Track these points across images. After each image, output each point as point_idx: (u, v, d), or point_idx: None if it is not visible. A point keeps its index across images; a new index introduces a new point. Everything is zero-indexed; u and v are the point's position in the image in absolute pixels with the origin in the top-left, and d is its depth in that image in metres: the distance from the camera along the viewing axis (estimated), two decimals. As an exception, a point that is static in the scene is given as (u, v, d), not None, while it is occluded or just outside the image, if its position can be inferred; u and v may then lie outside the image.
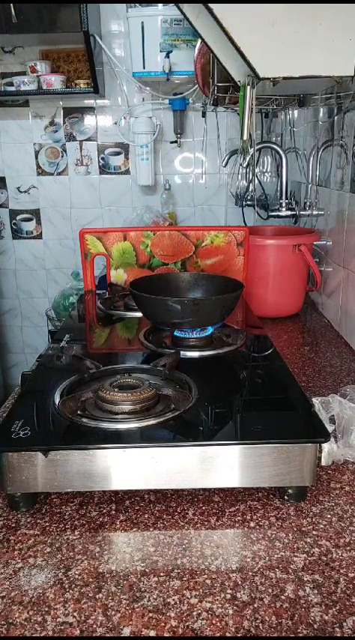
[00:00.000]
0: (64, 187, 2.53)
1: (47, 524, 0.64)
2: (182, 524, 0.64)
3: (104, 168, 2.51)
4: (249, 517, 0.65)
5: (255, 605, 0.52)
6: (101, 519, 0.65)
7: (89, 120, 2.45)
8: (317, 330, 1.37)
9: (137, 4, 2.05)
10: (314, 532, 0.63)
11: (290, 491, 0.67)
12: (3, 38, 2.19)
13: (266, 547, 0.60)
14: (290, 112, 1.85)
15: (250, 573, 0.56)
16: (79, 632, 0.50)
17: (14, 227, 2.60)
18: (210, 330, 1.00)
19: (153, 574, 0.56)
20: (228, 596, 0.53)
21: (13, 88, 2.22)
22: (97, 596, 0.54)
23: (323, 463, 0.73)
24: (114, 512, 0.66)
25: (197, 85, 1.85)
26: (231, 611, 0.52)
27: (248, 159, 1.55)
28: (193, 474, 0.66)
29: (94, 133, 2.47)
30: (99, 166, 2.51)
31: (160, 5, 2.03)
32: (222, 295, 1.01)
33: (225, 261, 1.36)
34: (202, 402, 0.75)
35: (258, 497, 0.69)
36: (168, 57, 2.05)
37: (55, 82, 2.21)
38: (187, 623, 0.50)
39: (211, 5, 0.83)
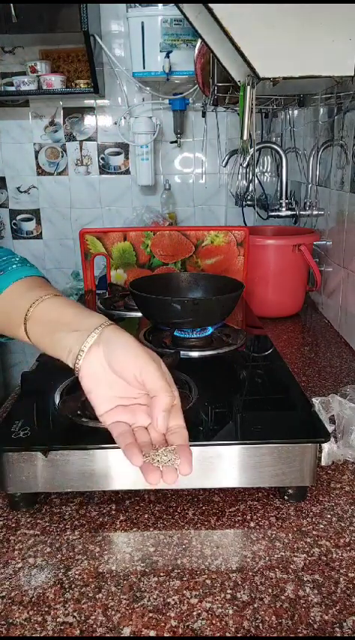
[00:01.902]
0: (64, 187, 2.53)
1: (47, 524, 0.64)
2: (182, 524, 0.64)
3: (104, 168, 2.51)
4: (249, 517, 0.65)
5: (255, 605, 0.52)
6: (101, 519, 0.65)
7: (89, 120, 2.45)
8: (317, 330, 1.37)
9: (137, 4, 2.05)
10: (314, 532, 0.63)
11: (290, 491, 0.67)
12: (3, 38, 2.19)
13: (266, 547, 0.60)
14: (290, 112, 1.84)
15: (250, 573, 0.56)
16: (79, 632, 0.50)
17: (14, 227, 2.60)
18: (210, 330, 1.00)
19: (153, 574, 0.56)
20: (228, 596, 0.53)
21: (13, 88, 2.22)
22: (97, 596, 0.54)
23: (323, 463, 0.73)
24: (114, 512, 0.66)
25: (197, 85, 1.85)
26: (231, 611, 0.52)
27: (248, 159, 1.54)
28: (193, 474, 0.65)
29: (94, 133, 2.47)
30: (99, 166, 2.51)
31: (160, 5, 2.03)
32: (222, 295, 1.00)
33: (225, 261, 1.36)
34: (202, 402, 0.75)
35: (258, 497, 0.69)
36: (168, 57, 2.05)
37: (55, 82, 2.21)
38: (187, 623, 0.50)
39: (211, 5, 0.83)
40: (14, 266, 0.65)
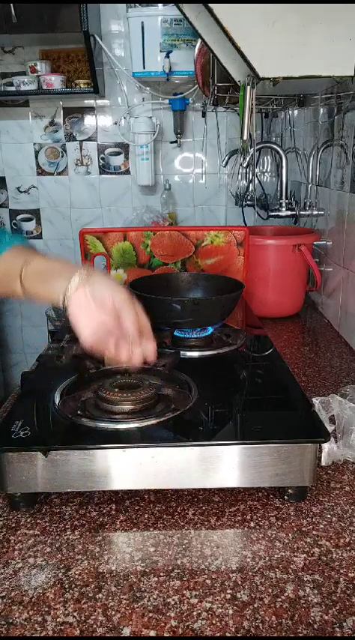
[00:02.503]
0: (64, 187, 2.53)
1: (47, 524, 0.64)
2: (182, 524, 0.64)
3: (104, 169, 2.51)
4: (249, 517, 0.65)
5: (255, 605, 0.52)
6: (101, 519, 0.65)
7: (89, 120, 2.45)
8: (317, 330, 1.37)
9: (137, 4, 2.05)
10: (314, 532, 0.63)
11: (290, 491, 0.67)
12: (3, 38, 2.18)
13: (266, 547, 0.60)
14: (290, 112, 1.85)
15: (250, 573, 0.56)
16: (79, 632, 0.50)
17: (14, 227, 2.60)
18: (210, 330, 1.00)
19: (153, 574, 0.56)
20: (228, 596, 0.53)
21: (13, 88, 2.22)
22: (97, 596, 0.54)
23: (323, 463, 0.73)
24: (114, 512, 0.66)
25: (197, 85, 1.85)
26: (231, 611, 0.52)
27: (248, 159, 1.54)
28: (193, 474, 0.66)
29: (94, 133, 2.47)
30: (99, 166, 2.51)
31: (160, 5, 2.03)
32: (222, 295, 1.01)
33: (225, 261, 1.36)
34: (202, 402, 0.75)
35: (258, 497, 0.69)
36: (168, 57, 2.05)
37: (55, 82, 2.21)
38: (187, 623, 0.50)
39: (211, 5, 0.83)
40: (7, 238, 0.79)
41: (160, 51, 2.07)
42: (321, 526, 0.64)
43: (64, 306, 0.68)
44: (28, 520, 0.65)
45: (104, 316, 0.69)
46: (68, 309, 0.68)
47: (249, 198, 1.97)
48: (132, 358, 0.71)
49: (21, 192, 2.54)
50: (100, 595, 0.54)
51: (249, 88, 1.02)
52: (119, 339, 0.70)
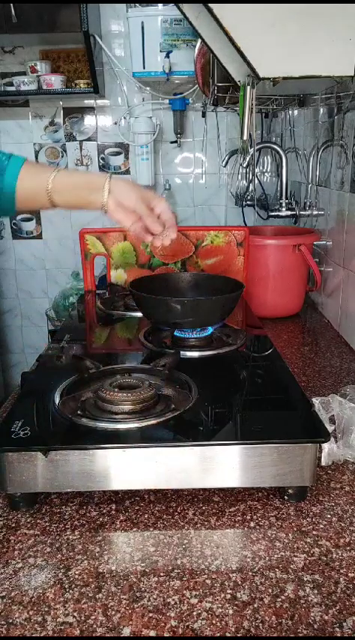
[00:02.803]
0: (64, 187, 2.53)
1: (47, 524, 0.64)
2: (182, 524, 0.64)
3: (104, 168, 2.51)
4: (249, 517, 0.65)
5: (255, 605, 0.52)
6: (101, 519, 0.65)
7: (89, 120, 2.45)
8: (317, 330, 1.37)
9: (137, 4, 2.05)
10: (314, 532, 0.63)
11: (290, 491, 0.67)
12: (3, 38, 2.19)
13: (267, 547, 0.60)
14: (290, 112, 1.85)
15: (250, 573, 0.56)
16: (79, 632, 0.50)
17: (14, 227, 2.60)
18: (210, 330, 1.00)
19: (153, 574, 0.56)
20: (228, 596, 0.53)
21: (13, 88, 2.22)
22: (97, 596, 0.54)
23: (323, 463, 0.73)
24: (114, 512, 0.66)
25: (197, 85, 1.85)
26: (231, 611, 0.52)
27: (248, 159, 1.55)
28: (193, 474, 0.66)
29: (94, 133, 2.47)
30: (99, 166, 2.51)
31: (160, 5, 2.03)
32: (222, 295, 1.01)
33: (225, 261, 1.36)
34: (202, 402, 0.75)
35: (258, 497, 0.69)
36: (168, 57, 2.05)
37: (55, 82, 2.21)
38: (187, 623, 0.50)
39: (211, 5, 0.83)
40: (4, 158, 0.84)
41: (160, 51, 2.07)
42: (321, 526, 0.64)
43: (103, 210, 0.85)
44: (28, 520, 0.65)
45: (132, 214, 0.85)
46: (108, 214, 0.85)
47: (249, 198, 1.97)
48: (163, 242, 0.90)
49: (21, 192, 2.54)
50: (100, 595, 0.54)
51: (249, 88, 1.02)
52: (150, 231, 0.89)
